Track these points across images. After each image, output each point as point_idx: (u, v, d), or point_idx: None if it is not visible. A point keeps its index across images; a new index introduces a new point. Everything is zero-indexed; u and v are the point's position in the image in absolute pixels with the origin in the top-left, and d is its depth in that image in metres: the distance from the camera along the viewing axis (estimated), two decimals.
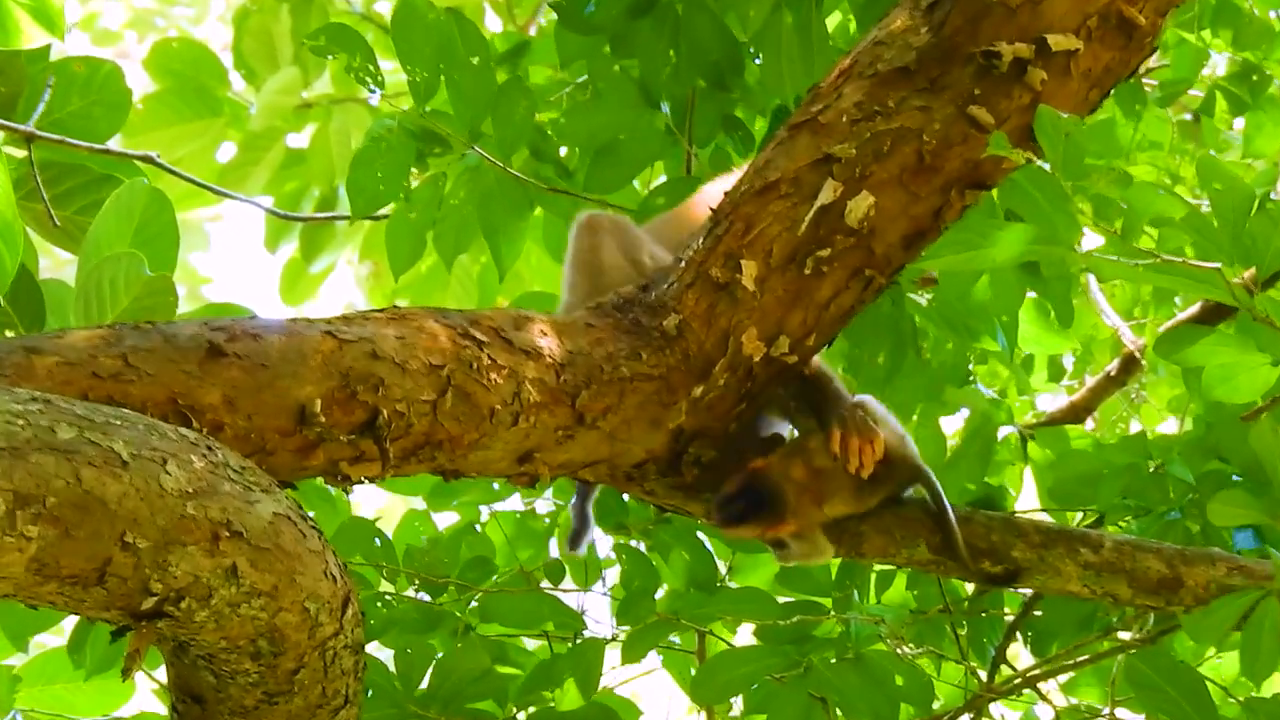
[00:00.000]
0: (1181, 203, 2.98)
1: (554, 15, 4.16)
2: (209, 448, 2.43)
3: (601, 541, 4.18)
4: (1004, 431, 4.44)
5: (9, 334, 3.23)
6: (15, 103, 3.63)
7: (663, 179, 4.34)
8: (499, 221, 4.19)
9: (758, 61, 4.12)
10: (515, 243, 4.26)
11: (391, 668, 3.86)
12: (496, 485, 4.19)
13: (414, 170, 4.12)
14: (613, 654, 4.08)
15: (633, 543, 4.11)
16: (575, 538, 3.73)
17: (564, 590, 4.16)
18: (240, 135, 6.01)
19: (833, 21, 4.28)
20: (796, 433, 3.41)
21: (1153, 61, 5.06)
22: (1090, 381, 5.83)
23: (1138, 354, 5.62)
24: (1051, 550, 3.34)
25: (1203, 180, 2.94)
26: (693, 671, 4.19)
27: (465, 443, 2.92)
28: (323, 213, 6.04)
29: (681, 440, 3.19)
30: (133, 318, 3.01)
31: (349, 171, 4.01)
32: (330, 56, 3.99)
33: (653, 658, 4.27)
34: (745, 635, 4.17)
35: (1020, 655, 4.17)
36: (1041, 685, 4.14)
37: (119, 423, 2.34)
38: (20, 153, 3.61)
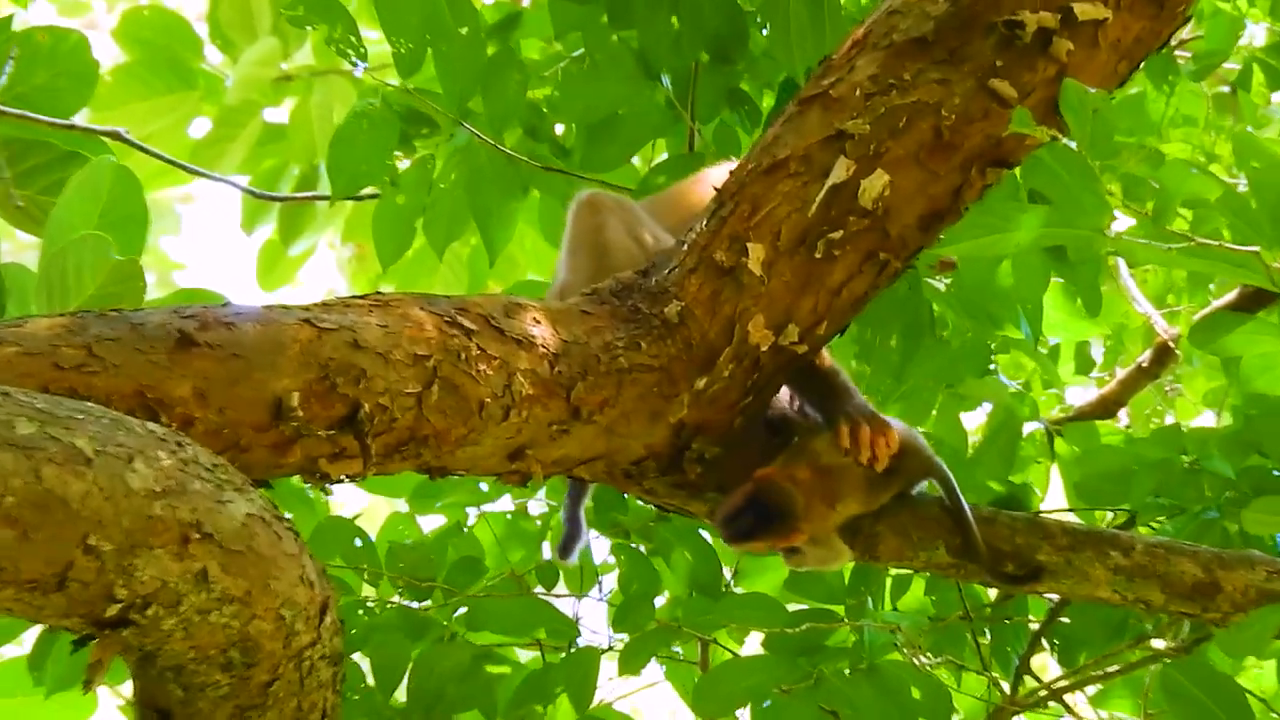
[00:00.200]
0: (1217, 182, 2.98)
1: None
2: (178, 444, 2.42)
3: (599, 544, 4.18)
4: (1029, 427, 4.43)
5: None
6: None
7: (664, 156, 4.34)
8: (490, 203, 4.19)
9: (764, 32, 4.11)
10: (508, 226, 4.26)
11: (370, 679, 3.85)
12: (485, 485, 4.18)
13: (400, 154, 4.12)
14: (610, 665, 4.07)
15: (632, 544, 4.11)
16: (567, 545, 3.70)
17: (557, 595, 4.16)
18: (215, 110, 5.99)
19: None
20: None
21: (1186, 32, 5.04)
22: (1121, 373, 5.83)
23: (1171, 344, 5.62)
24: (1079, 553, 3.33)
25: (1239, 158, 2.94)
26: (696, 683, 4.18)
27: (452, 438, 2.90)
28: (302, 192, 6.02)
29: (683, 435, 3.17)
30: (98, 305, 3.00)
31: (329, 150, 4.01)
32: (310, 27, 3.99)
33: (653, 669, 4.26)
34: (752, 644, 4.17)
35: (1047, 665, 4.16)
36: (1069, 697, 4.13)
37: (82, 417, 2.33)
38: None
